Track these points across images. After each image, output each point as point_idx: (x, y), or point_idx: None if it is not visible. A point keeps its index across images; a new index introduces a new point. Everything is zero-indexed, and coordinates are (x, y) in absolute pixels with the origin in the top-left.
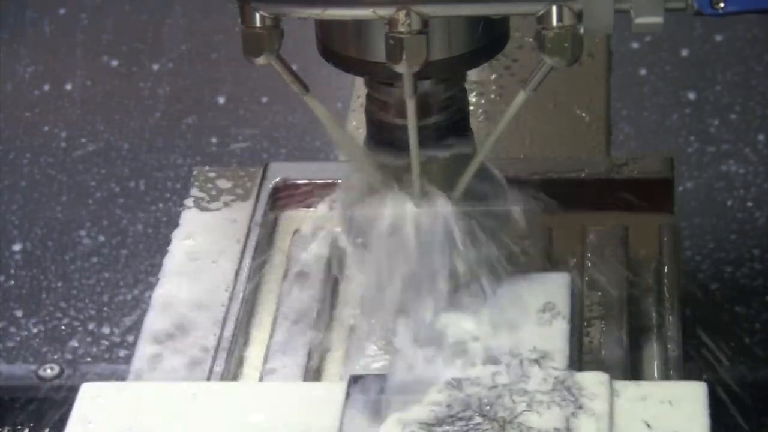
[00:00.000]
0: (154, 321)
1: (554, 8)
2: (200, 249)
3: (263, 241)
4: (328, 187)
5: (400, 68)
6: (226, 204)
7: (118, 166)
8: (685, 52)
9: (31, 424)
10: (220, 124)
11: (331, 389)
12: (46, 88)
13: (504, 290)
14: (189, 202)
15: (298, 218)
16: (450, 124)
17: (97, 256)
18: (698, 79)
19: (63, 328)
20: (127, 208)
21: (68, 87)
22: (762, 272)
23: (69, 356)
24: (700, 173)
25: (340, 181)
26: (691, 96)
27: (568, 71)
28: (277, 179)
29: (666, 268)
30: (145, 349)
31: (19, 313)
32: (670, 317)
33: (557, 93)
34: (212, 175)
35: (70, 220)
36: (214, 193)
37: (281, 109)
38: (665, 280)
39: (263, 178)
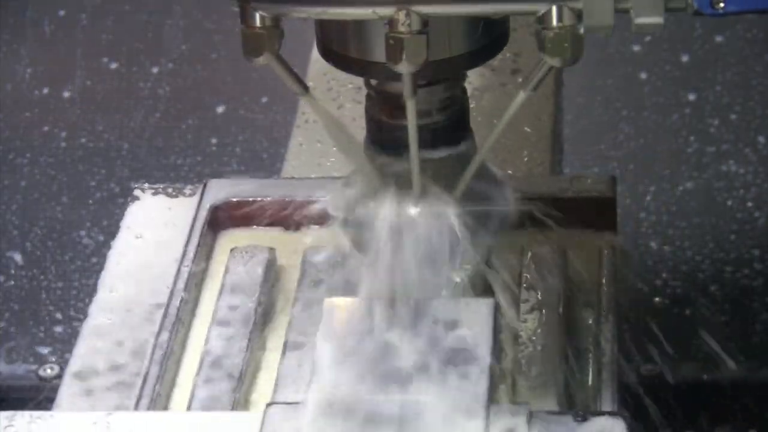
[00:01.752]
0: (84, 347)
1: (554, 8)
2: (134, 264)
3: (200, 259)
4: (268, 205)
5: (400, 68)
6: (164, 223)
7: (118, 166)
8: (685, 58)
9: None
10: (220, 124)
11: (247, 418)
12: (46, 88)
13: (427, 316)
14: (127, 219)
15: (235, 237)
16: (449, 123)
17: (97, 256)
18: (698, 80)
19: (63, 328)
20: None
21: (68, 87)
22: (762, 272)
23: (69, 356)
24: (700, 173)
25: (285, 198)
26: (691, 96)
27: (517, 88)
28: (216, 197)
29: (604, 288)
30: (71, 381)
31: (19, 314)
32: (607, 339)
33: (504, 109)
34: (151, 192)
35: (70, 220)
36: (152, 211)
37: (281, 109)
38: (603, 301)
39: (202, 195)
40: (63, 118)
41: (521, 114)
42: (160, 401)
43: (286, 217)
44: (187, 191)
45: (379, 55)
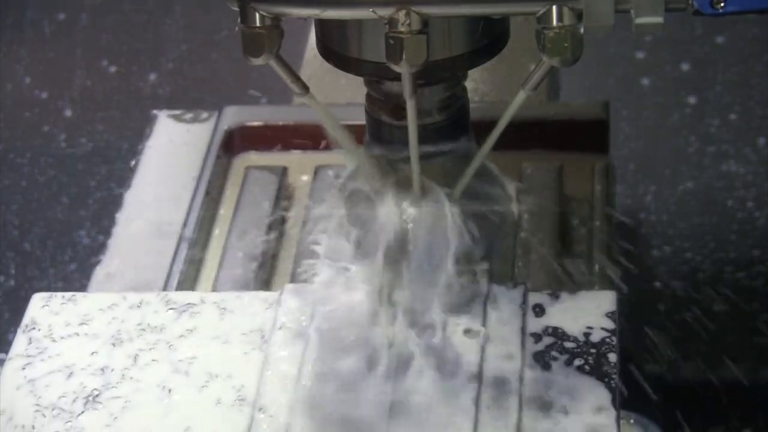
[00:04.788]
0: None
1: (554, 8)
2: (157, 180)
3: (216, 175)
4: (282, 130)
5: (400, 68)
6: (184, 143)
7: (118, 166)
8: (685, 66)
9: None
10: None
11: (267, 296)
12: (46, 88)
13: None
14: (148, 143)
15: (250, 159)
16: (450, 123)
17: (97, 256)
18: (698, 80)
19: None
20: None
21: (68, 87)
22: (762, 273)
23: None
24: (700, 173)
25: (294, 123)
26: (692, 96)
27: (512, 22)
28: (231, 122)
29: (596, 201)
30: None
31: (19, 314)
32: (598, 247)
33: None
34: (170, 116)
35: (70, 220)
36: (171, 134)
37: None
38: (595, 213)
39: (218, 120)
40: (63, 118)
41: (519, 47)
42: (187, 283)
43: (297, 141)
44: (204, 116)
45: (380, 55)
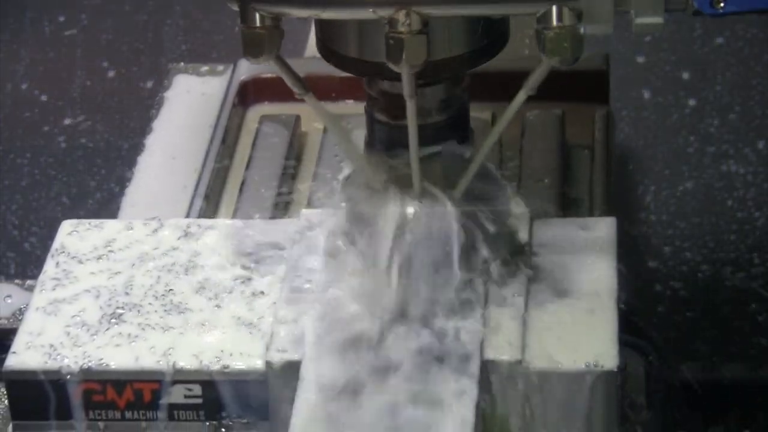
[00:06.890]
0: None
1: (554, 8)
2: (176, 128)
3: (232, 123)
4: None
5: (400, 68)
6: (201, 94)
7: (118, 166)
8: (686, 75)
9: None
10: None
11: (285, 222)
12: (46, 88)
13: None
14: (167, 94)
15: (264, 110)
16: (450, 124)
17: None
18: (698, 80)
19: None
20: None
21: (68, 87)
22: (762, 273)
23: None
24: (700, 173)
25: (306, 75)
26: (692, 96)
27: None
28: (246, 74)
29: (597, 146)
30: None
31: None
32: (600, 188)
33: None
34: (186, 70)
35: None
36: (188, 86)
37: None
38: (596, 157)
39: (233, 73)
40: (63, 118)
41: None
42: (208, 213)
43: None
44: (219, 69)
45: (380, 55)
